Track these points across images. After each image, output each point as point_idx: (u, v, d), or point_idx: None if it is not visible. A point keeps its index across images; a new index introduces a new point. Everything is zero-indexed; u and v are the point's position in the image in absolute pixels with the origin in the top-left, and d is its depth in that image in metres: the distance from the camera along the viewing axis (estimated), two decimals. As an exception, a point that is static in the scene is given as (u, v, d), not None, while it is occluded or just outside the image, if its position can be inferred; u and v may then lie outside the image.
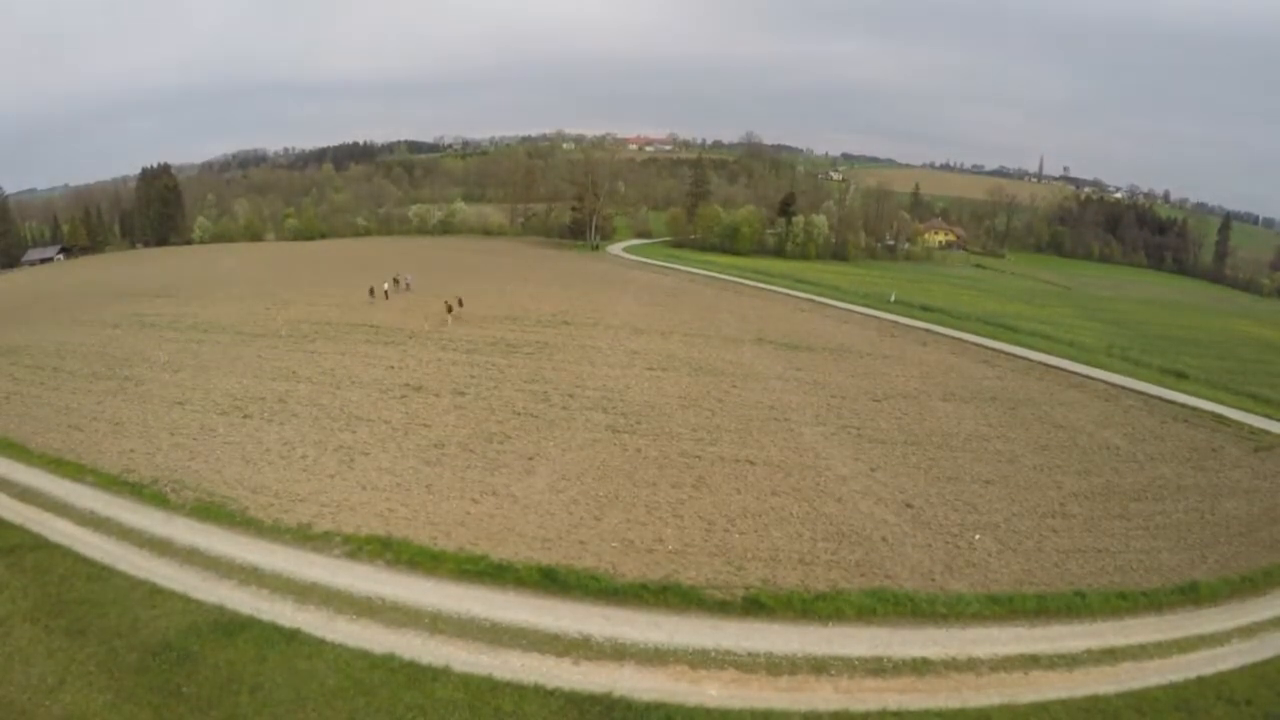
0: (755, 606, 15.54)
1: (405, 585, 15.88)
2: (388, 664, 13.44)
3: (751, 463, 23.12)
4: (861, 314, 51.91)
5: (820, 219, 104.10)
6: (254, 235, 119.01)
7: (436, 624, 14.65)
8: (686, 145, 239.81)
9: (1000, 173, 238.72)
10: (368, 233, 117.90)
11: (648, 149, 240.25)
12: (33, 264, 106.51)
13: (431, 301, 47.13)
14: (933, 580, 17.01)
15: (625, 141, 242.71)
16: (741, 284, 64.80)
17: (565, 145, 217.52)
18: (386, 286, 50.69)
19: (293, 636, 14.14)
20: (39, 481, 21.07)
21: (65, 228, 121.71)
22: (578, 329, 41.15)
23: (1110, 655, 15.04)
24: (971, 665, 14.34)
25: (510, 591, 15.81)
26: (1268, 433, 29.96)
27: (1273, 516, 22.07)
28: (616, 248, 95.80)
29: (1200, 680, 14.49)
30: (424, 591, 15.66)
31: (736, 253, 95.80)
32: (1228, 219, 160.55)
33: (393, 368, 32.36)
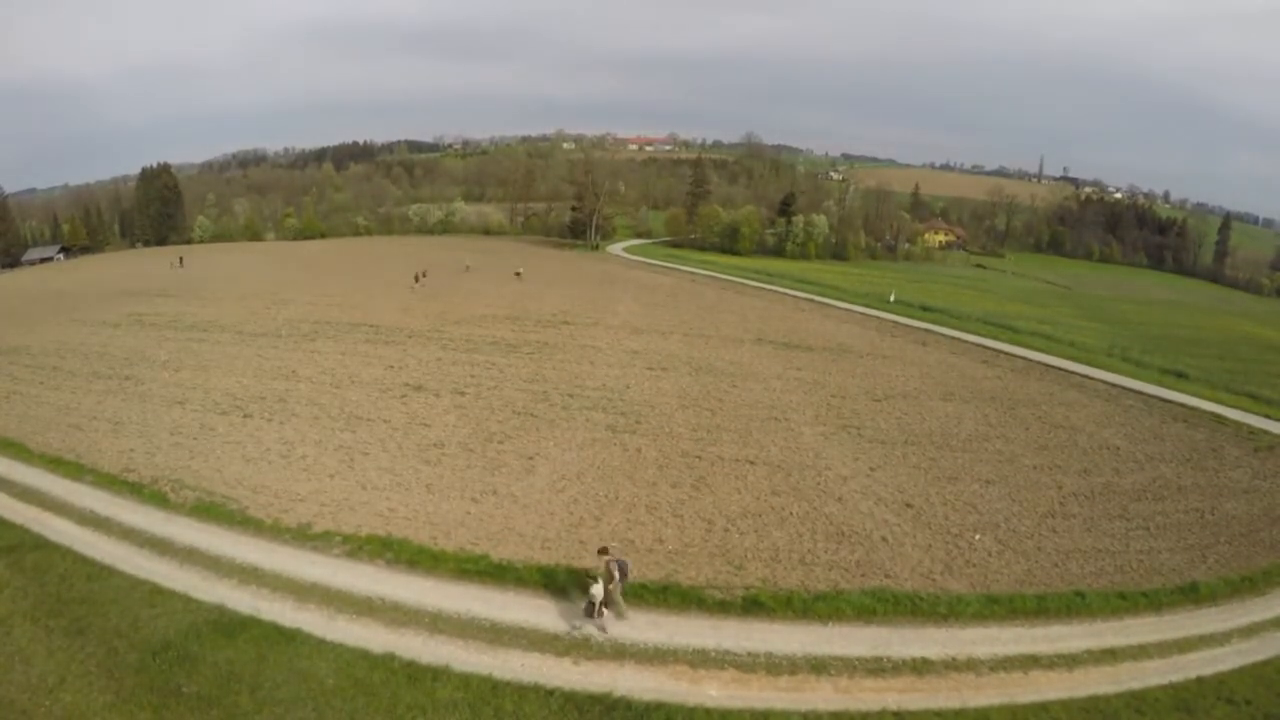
0: (755, 606, 15.53)
1: (405, 585, 15.87)
2: (388, 664, 13.43)
3: (751, 463, 23.12)
4: (861, 314, 51.93)
5: (820, 219, 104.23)
6: (254, 235, 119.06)
7: (436, 624, 14.65)
8: (686, 145, 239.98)
9: (1000, 173, 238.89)
10: (368, 232, 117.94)
11: (648, 149, 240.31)
12: (33, 264, 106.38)
13: (430, 301, 47.26)
14: (933, 580, 17.01)
15: (625, 141, 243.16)
16: (741, 284, 64.82)
17: (565, 145, 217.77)
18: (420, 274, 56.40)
19: (293, 636, 14.12)
20: (39, 481, 21.05)
21: (65, 227, 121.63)
22: (578, 329, 41.16)
23: (1110, 655, 15.03)
24: (971, 665, 14.34)
25: (510, 591, 15.81)
26: (1267, 433, 29.95)
27: (1272, 517, 22.05)
28: (616, 247, 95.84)
29: (1200, 680, 14.47)
30: (424, 591, 15.65)
31: (736, 252, 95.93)
32: (1227, 219, 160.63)
33: (392, 367, 32.36)
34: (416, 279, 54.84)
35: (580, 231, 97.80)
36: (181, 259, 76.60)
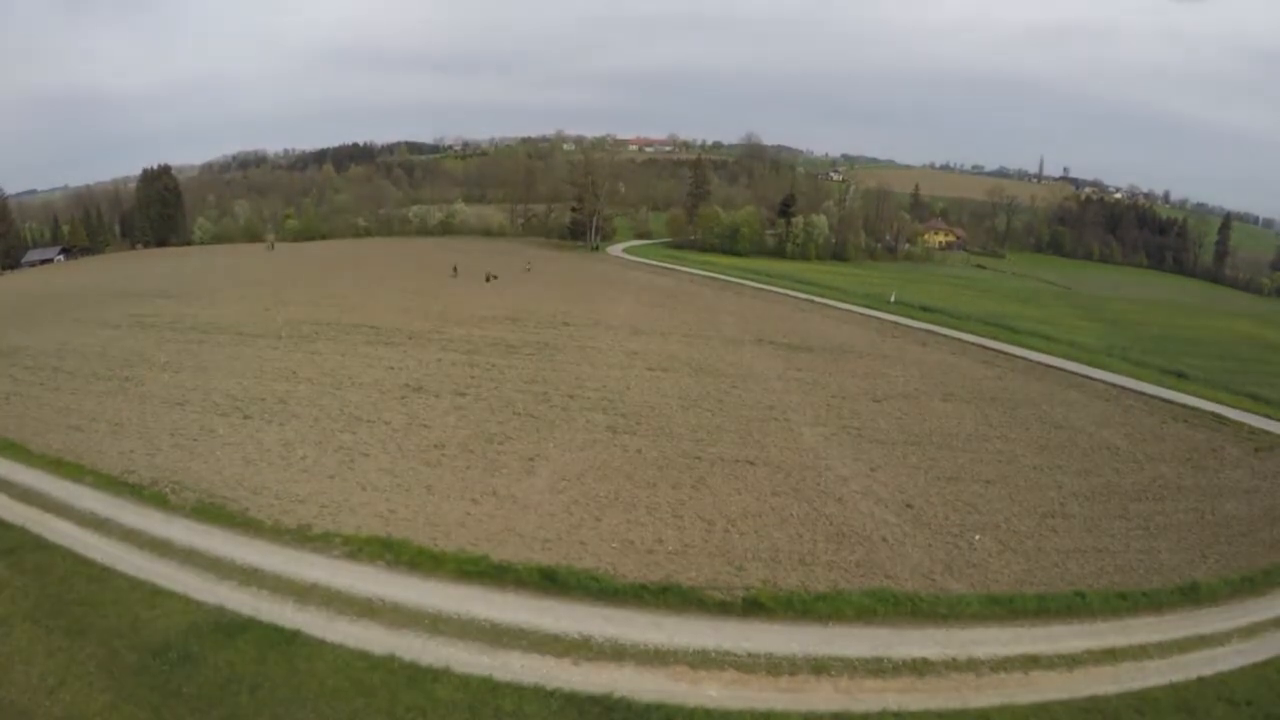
0: (755, 607, 15.53)
1: (405, 586, 15.87)
2: (388, 665, 13.43)
3: (751, 463, 23.12)
4: (861, 314, 51.98)
5: (820, 219, 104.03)
6: (254, 236, 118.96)
7: (437, 625, 14.65)
8: (686, 146, 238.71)
9: (1000, 173, 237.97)
10: (368, 234, 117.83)
11: (648, 149, 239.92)
12: (33, 265, 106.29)
13: (431, 302, 47.25)
14: (933, 580, 17.01)
15: (625, 142, 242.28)
16: (742, 284, 64.90)
17: (565, 146, 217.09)
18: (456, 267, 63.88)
19: (293, 637, 14.12)
20: (39, 482, 21.03)
21: (65, 229, 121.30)
22: (578, 329, 41.19)
23: (1110, 655, 15.04)
24: (972, 665, 14.34)
25: (510, 592, 15.80)
26: (1268, 433, 29.99)
27: (1273, 517, 22.08)
28: (617, 248, 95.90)
29: (1200, 680, 14.48)
30: (424, 592, 15.65)
31: (736, 253, 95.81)
32: (1228, 219, 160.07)
33: (393, 368, 32.36)
34: (488, 279, 59.04)
35: (580, 232, 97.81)
36: (274, 244, 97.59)
